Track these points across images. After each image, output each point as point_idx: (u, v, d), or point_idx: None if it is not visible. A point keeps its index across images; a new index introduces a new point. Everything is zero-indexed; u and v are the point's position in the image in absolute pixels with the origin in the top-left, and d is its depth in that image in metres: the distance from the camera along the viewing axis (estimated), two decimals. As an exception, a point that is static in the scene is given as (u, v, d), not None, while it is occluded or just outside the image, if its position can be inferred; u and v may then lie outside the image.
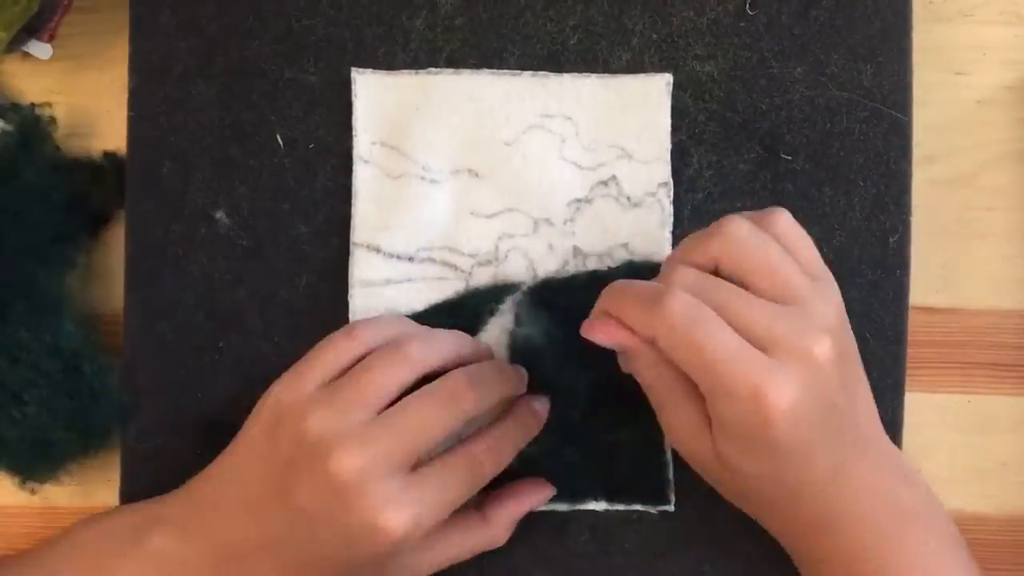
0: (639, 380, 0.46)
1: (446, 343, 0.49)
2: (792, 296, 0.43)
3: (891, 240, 0.52)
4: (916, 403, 0.54)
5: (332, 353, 0.48)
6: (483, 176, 0.53)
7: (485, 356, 0.51)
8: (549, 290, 0.52)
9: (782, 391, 0.41)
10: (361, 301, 0.52)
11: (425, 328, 0.50)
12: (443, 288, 0.52)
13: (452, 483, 0.46)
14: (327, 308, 0.52)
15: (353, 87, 0.52)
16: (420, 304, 0.52)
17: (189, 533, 0.47)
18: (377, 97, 0.53)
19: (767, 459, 0.43)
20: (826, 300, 0.44)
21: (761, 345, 0.42)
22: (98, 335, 0.53)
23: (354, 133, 0.52)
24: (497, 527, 0.50)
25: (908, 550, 0.46)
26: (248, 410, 0.49)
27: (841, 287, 0.51)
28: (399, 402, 0.46)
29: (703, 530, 0.52)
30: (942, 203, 0.55)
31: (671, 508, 0.52)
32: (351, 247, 0.52)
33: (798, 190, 0.52)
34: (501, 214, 0.52)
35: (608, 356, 0.51)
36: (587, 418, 0.52)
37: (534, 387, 0.51)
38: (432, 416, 0.45)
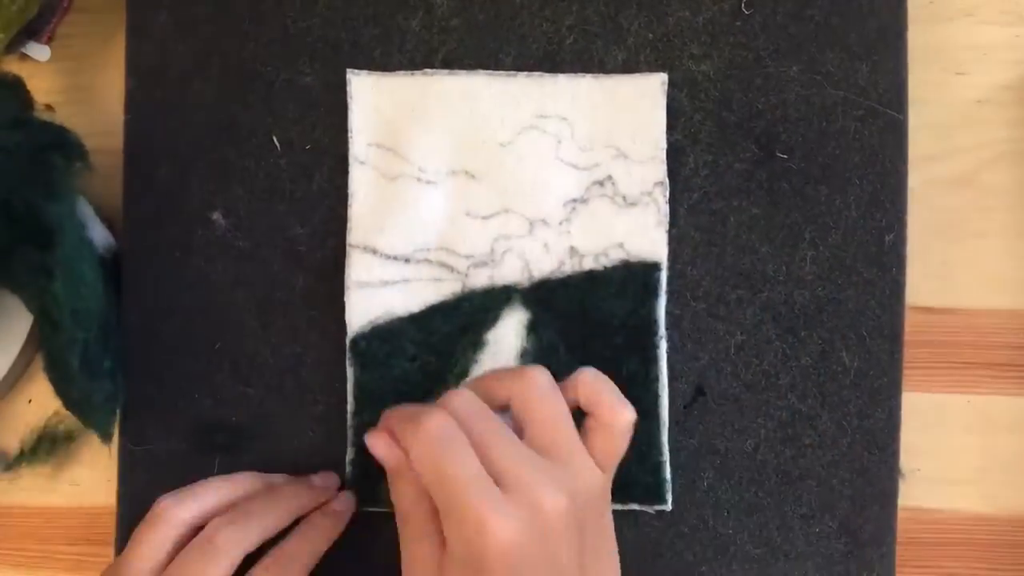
0: (397, 507, 0.47)
1: (261, 522, 0.48)
2: (554, 453, 0.45)
3: (887, 239, 0.52)
4: (916, 403, 0.53)
5: (148, 547, 0.47)
6: (479, 177, 0.53)
7: (302, 508, 0.51)
8: (546, 291, 0.52)
9: (502, 527, 0.41)
10: (357, 302, 0.52)
11: (209, 503, 0.49)
12: (439, 289, 0.52)
13: None
14: (324, 309, 0.53)
15: (349, 89, 0.53)
16: (416, 305, 0.52)
17: None
18: (373, 98, 0.53)
19: None
20: (589, 473, 0.45)
21: (499, 481, 0.43)
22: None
23: (350, 134, 0.53)
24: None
25: None
26: (243, 411, 0.50)
27: (837, 286, 0.52)
28: None
29: (700, 531, 0.52)
30: (942, 203, 0.54)
31: (668, 508, 0.52)
32: (347, 248, 0.52)
33: (794, 189, 0.52)
34: (497, 215, 0.53)
35: (605, 358, 0.52)
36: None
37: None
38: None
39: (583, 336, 0.52)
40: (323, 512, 0.51)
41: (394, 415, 0.47)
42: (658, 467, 0.52)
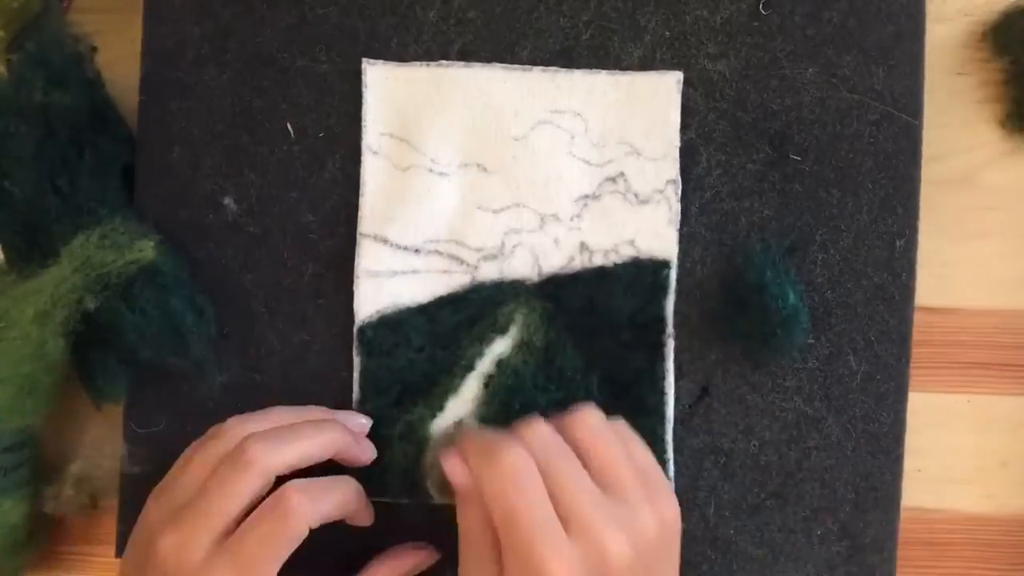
0: (461, 527, 0.47)
1: (299, 445, 0.48)
2: (619, 490, 0.45)
3: (898, 243, 0.52)
4: (916, 403, 0.53)
5: (186, 475, 0.47)
6: (491, 170, 0.53)
7: (351, 447, 0.50)
8: (555, 286, 0.52)
9: (562, 569, 0.42)
10: (366, 291, 0.52)
11: (272, 425, 0.49)
12: (449, 281, 0.53)
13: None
14: (332, 297, 0.53)
15: (364, 78, 0.52)
16: (425, 296, 0.52)
17: None
18: (388, 88, 0.53)
19: None
20: (653, 508, 0.46)
21: (566, 520, 0.44)
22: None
23: (363, 124, 0.53)
24: None
25: None
26: (249, 396, 0.51)
27: (847, 289, 0.52)
28: (238, 529, 0.45)
29: (702, 529, 0.52)
30: (942, 203, 0.54)
31: (671, 506, 0.52)
32: (358, 237, 0.52)
33: (806, 191, 0.52)
34: (508, 209, 0.52)
35: (613, 355, 0.52)
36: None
37: (544, 383, 0.52)
38: (269, 540, 0.45)
39: (591, 332, 0.52)
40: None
41: (471, 443, 0.47)
42: (662, 465, 0.52)
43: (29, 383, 0.49)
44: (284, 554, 0.45)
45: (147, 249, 0.48)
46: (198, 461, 0.47)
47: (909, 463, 0.53)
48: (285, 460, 0.47)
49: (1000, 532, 0.55)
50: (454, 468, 0.47)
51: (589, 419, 0.47)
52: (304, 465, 0.48)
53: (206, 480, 0.46)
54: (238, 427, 0.48)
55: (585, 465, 0.46)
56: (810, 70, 0.52)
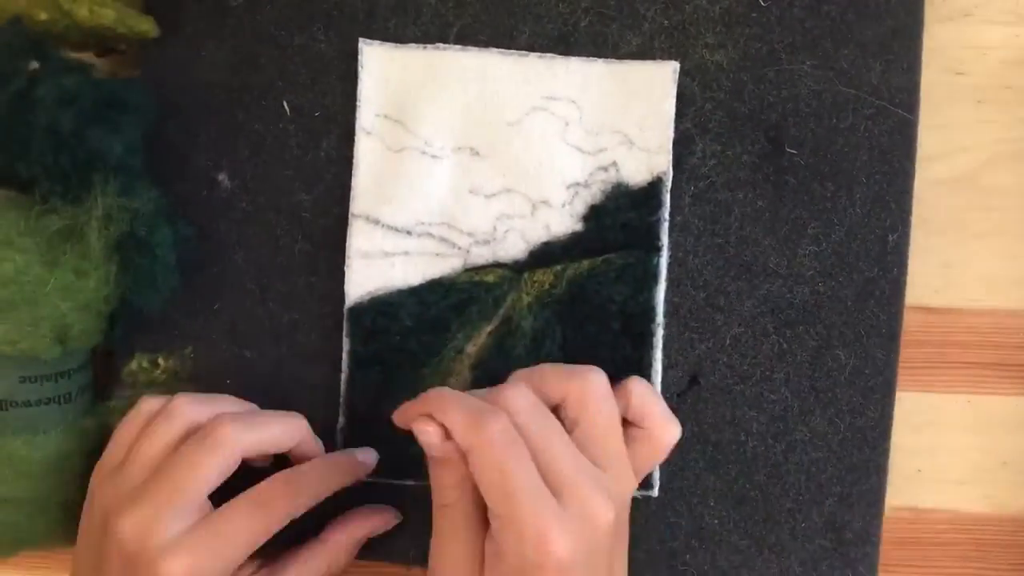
0: (437, 498, 0.46)
1: (268, 428, 0.48)
2: (603, 460, 0.45)
3: (890, 239, 0.52)
4: (916, 403, 0.53)
5: (139, 454, 0.47)
6: (484, 155, 0.53)
7: (310, 441, 0.50)
8: (544, 271, 0.52)
9: (563, 540, 0.42)
10: (357, 272, 0.52)
11: (248, 409, 0.50)
12: (440, 264, 0.53)
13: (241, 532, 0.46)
14: (324, 277, 0.53)
15: (360, 58, 0.53)
16: (416, 279, 0.52)
17: None
18: (383, 69, 0.53)
19: None
20: (628, 482, 0.46)
21: (555, 488, 0.43)
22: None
23: (358, 104, 0.53)
24: (336, 550, 0.51)
25: None
26: (236, 373, 0.51)
27: (837, 283, 0.52)
28: (216, 512, 0.46)
29: (686, 519, 0.52)
30: (942, 203, 0.54)
31: (655, 495, 0.52)
32: (350, 217, 0.52)
33: (800, 184, 0.52)
34: (500, 194, 0.52)
35: (602, 342, 0.51)
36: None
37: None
38: (247, 526, 0.46)
39: (581, 319, 0.52)
40: (349, 454, 0.51)
41: (446, 405, 0.45)
42: (648, 454, 0.52)
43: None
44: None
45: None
46: (151, 440, 0.47)
47: (909, 463, 0.53)
48: (257, 440, 0.47)
49: (1000, 532, 0.55)
50: (431, 436, 0.44)
51: (594, 381, 0.46)
52: (273, 451, 0.49)
53: (167, 458, 0.46)
54: (188, 407, 0.48)
55: (571, 428, 0.45)
56: (808, 63, 0.52)
